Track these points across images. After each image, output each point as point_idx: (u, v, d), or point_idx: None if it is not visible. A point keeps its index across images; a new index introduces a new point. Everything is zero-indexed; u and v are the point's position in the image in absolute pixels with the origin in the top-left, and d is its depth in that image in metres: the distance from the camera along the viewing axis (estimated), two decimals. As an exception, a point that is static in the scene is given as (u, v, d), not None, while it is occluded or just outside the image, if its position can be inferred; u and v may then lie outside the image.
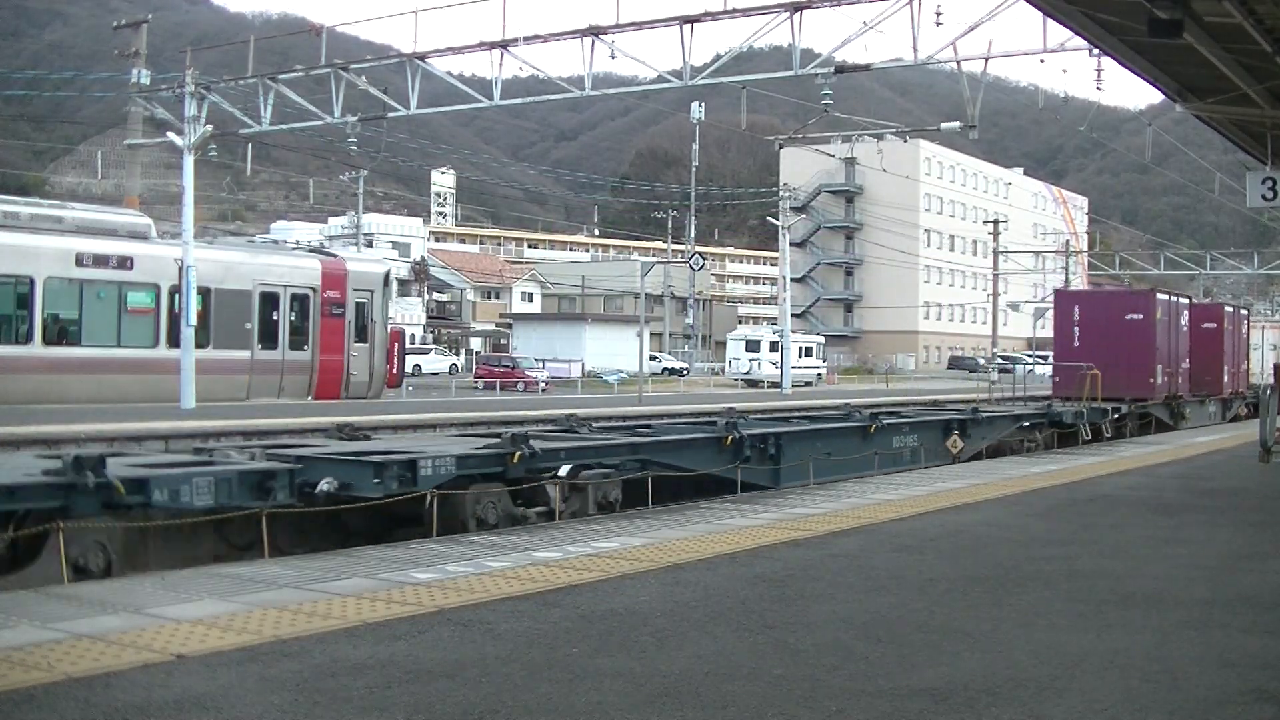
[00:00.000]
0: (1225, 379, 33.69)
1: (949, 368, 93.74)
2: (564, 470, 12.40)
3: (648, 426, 17.25)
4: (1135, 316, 28.54)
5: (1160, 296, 30.11)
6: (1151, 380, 27.90)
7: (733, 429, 14.81)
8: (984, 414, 21.42)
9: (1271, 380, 24.48)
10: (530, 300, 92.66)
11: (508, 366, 53.90)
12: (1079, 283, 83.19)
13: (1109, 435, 24.99)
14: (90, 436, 16.84)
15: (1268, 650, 6.12)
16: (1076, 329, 28.67)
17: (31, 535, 8.73)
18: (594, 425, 16.47)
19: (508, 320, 79.21)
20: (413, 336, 66.44)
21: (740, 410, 19.56)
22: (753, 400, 36.15)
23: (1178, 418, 29.99)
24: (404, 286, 71.90)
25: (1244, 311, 39.68)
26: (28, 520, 8.86)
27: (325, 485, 10.52)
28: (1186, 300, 33.45)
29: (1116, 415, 25.90)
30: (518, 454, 11.81)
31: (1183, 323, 31.00)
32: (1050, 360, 32.17)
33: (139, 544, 9.54)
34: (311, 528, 10.56)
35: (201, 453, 11.98)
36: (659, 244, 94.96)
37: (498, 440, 12.32)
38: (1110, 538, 10.03)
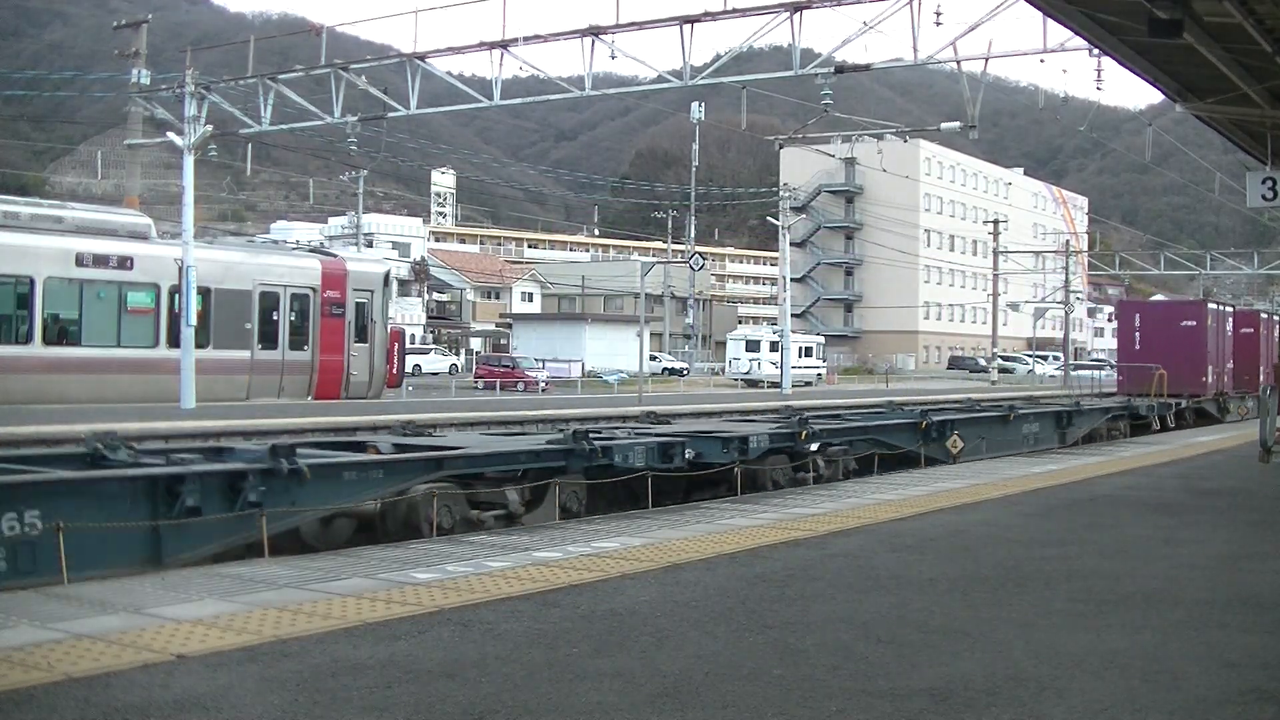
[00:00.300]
0: (1261, 377, 37.51)
1: (949, 368, 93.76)
2: (814, 446, 15.67)
3: (837, 415, 20.42)
4: (1189, 324, 33.53)
5: (1210, 306, 35.34)
6: (1204, 379, 32.49)
7: (925, 416, 18.73)
8: (1085, 407, 25.81)
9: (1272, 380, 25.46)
10: (530, 300, 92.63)
11: (508, 366, 53.87)
12: (1078, 283, 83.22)
13: (1172, 425, 28.89)
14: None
15: (1268, 650, 6.12)
16: (1137, 335, 33.86)
17: (540, 486, 12.39)
18: (805, 414, 18.88)
19: (508, 320, 79.16)
20: (413, 336, 66.42)
21: (900, 401, 25.08)
22: (758, 400, 36.17)
23: (1224, 411, 33.84)
24: (404, 286, 71.87)
25: (1277, 317, 44.65)
26: (526, 476, 12.33)
27: (688, 454, 13.77)
28: (1230, 309, 38.50)
29: (1176, 409, 30.06)
30: (805, 432, 15.44)
31: (1227, 329, 35.66)
32: (1116, 362, 38.72)
33: (593, 495, 12.88)
34: (666, 487, 13.59)
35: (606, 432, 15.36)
36: (659, 244, 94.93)
37: (784, 421, 16.44)
38: (1110, 538, 10.02)
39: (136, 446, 10.81)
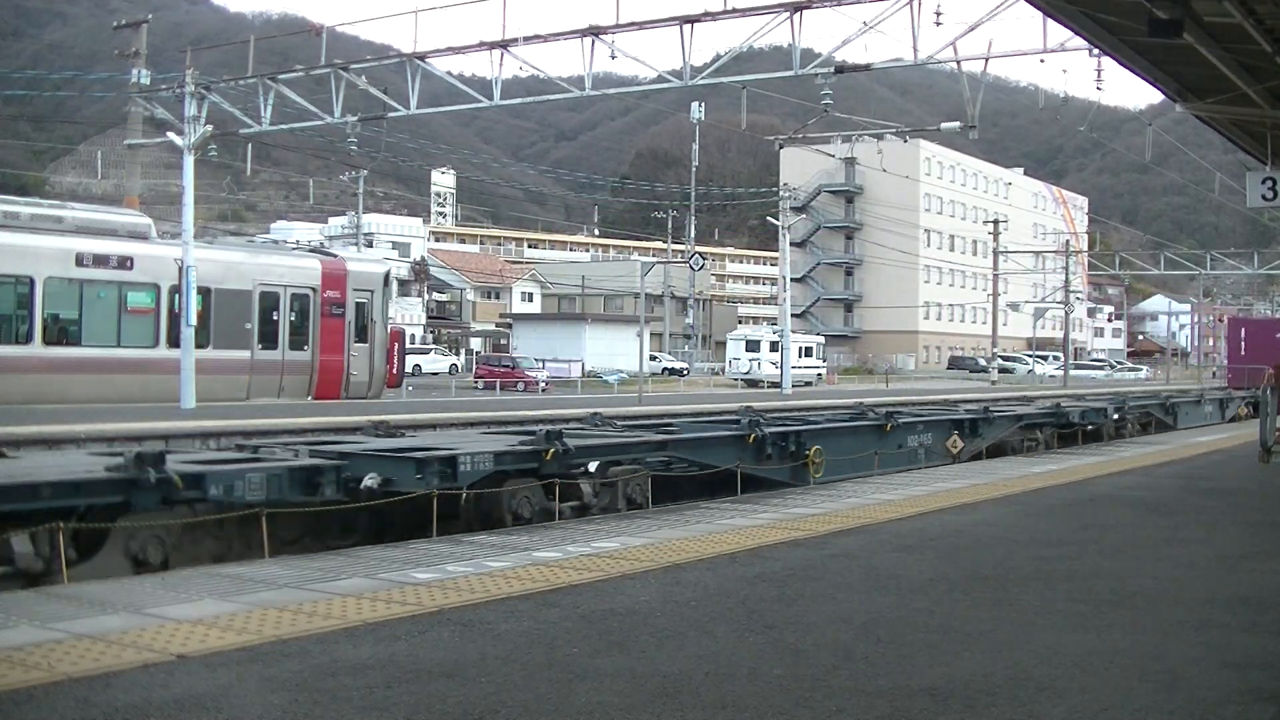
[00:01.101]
0: None
1: (949, 368, 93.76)
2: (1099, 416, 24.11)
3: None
4: None
5: None
6: None
7: (1169, 399, 28.12)
8: (1233, 396, 36.24)
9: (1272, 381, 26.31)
10: (530, 300, 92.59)
11: (508, 366, 53.85)
12: (1078, 283, 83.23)
13: None
14: (90, 436, 16.83)
15: (1268, 650, 6.12)
16: (1243, 343, 46.08)
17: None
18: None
19: (508, 320, 79.11)
20: (413, 336, 66.40)
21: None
22: (765, 400, 36.14)
23: None
24: (404, 286, 71.85)
25: None
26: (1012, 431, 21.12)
27: (1081, 416, 22.60)
28: None
29: None
30: (1125, 405, 24.75)
31: None
32: (1227, 364, 52.64)
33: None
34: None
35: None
36: (659, 244, 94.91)
37: (1111, 396, 25.01)
38: (1110, 538, 10.03)
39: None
